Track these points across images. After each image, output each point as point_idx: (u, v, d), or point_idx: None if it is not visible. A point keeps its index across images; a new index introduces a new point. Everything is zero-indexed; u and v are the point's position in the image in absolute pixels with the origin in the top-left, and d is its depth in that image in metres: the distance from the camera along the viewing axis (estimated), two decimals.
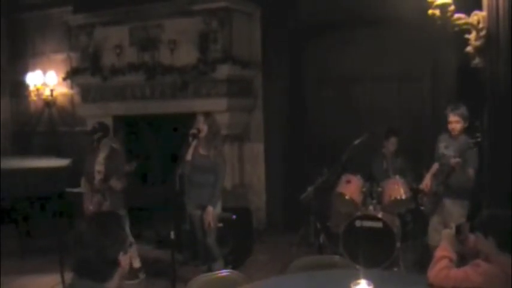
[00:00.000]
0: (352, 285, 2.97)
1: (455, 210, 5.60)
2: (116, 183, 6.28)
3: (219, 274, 3.93)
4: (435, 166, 5.88)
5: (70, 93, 10.16)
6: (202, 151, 6.13)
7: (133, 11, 8.69)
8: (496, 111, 5.15)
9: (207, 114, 6.31)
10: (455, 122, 5.61)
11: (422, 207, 6.26)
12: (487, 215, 3.56)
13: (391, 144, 7.15)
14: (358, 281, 2.97)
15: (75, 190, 7.23)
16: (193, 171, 6.11)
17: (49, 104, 10.25)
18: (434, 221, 5.85)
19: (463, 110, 5.60)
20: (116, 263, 2.54)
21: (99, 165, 6.42)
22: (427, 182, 5.92)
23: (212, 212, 6.06)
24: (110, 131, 6.81)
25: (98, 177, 6.40)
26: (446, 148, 5.74)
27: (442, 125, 5.79)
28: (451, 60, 7.36)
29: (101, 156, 6.46)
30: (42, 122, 10.52)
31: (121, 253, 2.55)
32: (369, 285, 2.95)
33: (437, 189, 5.73)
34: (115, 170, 6.31)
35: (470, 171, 5.46)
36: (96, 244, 2.48)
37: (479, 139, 5.22)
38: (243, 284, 3.71)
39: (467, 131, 5.56)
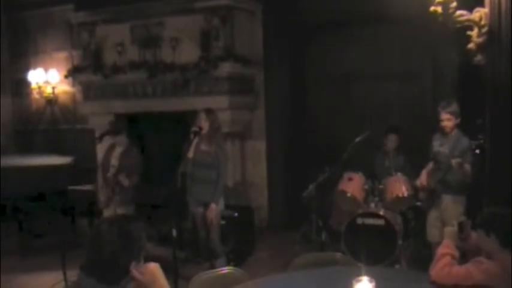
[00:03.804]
0: (354, 282, 2.96)
1: (452, 206, 5.60)
2: (124, 179, 6.36)
3: (221, 271, 3.93)
4: (431, 164, 5.88)
5: (72, 91, 10.16)
6: (204, 147, 6.13)
7: (134, 9, 8.69)
8: (498, 109, 5.14)
9: (209, 111, 6.31)
10: (447, 119, 5.58)
11: (419, 203, 6.26)
12: (489, 213, 3.56)
13: (391, 142, 7.13)
14: (360, 278, 2.97)
15: (77, 188, 7.25)
16: (196, 168, 6.11)
17: (51, 101, 10.24)
18: (432, 217, 5.86)
19: (454, 106, 5.57)
20: (126, 271, 2.53)
21: (114, 160, 6.51)
22: (422, 179, 5.93)
23: (215, 209, 6.06)
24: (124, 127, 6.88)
25: (111, 171, 6.48)
26: (441, 146, 5.73)
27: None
28: (452, 57, 7.34)
29: (117, 151, 6.53)
30: (44, 120, 10.52)
31: (134, 262, 2.55)
32: (370, 282, 2.95)
33: (436, 187, 5.73)
34: (128, 167, 6.38)
35: (466, 167, 5.45)
36: (111, 247, 2.48)
37: (482, 141, 5.20)
38: (245, 281, 3.72)
39: (467, 128, 5.55)
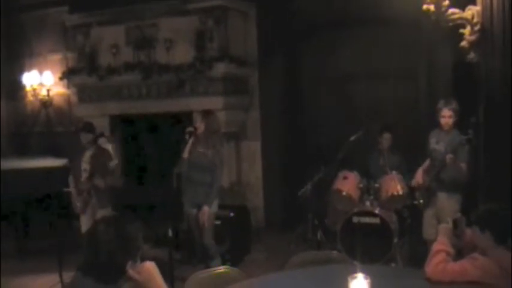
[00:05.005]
0: (349, 279, 2.97)
1: (448, 204, 5.63)
2: (99, 181, 6.33)
3: (217, 271, 3.93)
4: (427, 162, 5.91)
5: (67, 93, 10.14)
6: (200, 149, 6.12)
7: (129, 11, 8.68)
8: (491, 106, 5.17)
9: (206, 112, 6.32)
10: (449, 116, 5.62)
11: (415, 202, 6.28)
12: (483, 210, 3.58)
13: (385, 140, 7.14)
14: (356, 275, 2.98)
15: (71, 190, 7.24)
16: (191, 169, 6.10)
17: (46, 104, 10.22)
18: (428, 215, 5.89)
19: (455, 104, 5.62)
20: (122, 270, 2.54)
21: (85, 164, 6.48)
22: (418, 177, 5.95)
23: (208, 212, 6.05)
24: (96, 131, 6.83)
25: (83, 176, 6.45)
26: (437, 143, 5.76)
27: (437, 121, 5.80)
28: (446, 56, 7.37)
29: (87, 155, 6.51)
30: (39, 122, 10.49)
31: (130, 262, 2.56)
32: (365, 279, 2.96)
33: (430, 184, 5.76)
34: (100, 168, 6.36)
35: (463, 166, 5.48)
36: (108, 246, 2.49)
37: (470, 136, 5.24)
38: (241, 280, 3.72)
39: (461, 126, 5.58)
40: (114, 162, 6.55)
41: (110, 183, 6.45)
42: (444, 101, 5.67)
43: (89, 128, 6.63)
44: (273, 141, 8.83)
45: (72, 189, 6.68)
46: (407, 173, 6.72)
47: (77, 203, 6.56)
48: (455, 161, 5.39)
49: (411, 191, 6.45)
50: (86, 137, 6.50)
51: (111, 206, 6.51)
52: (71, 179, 6.71)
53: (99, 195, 6.42)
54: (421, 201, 6.04)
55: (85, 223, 6.44)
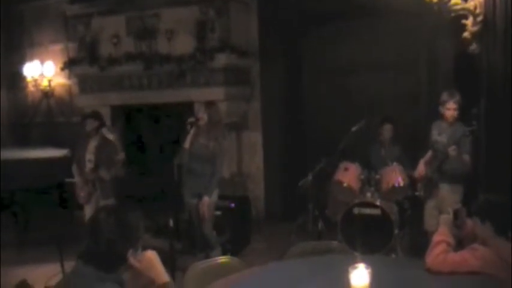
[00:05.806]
0: (350, 268, 2.98)
1: (449, 195, 5.62)
2: (105, 173, 6.34)
3: (217, 260, 3.95)
4: (429, 153, 5.90)
5: (68, 83, 10.14)
6: (202, 140, 6.11)
7: (130, 1, 8.67)
8: (493, 97, 5.16)
9: (209, 103, 6.31)
10: (454, 109, 5.60)
11: (417, 193, 6.28)
12: (484, 200, 3.58)
13: (386, 132, 7.12)
14: (356, 265, 2.98)
15: (74, 180, 7.26)
16: (192, 159, 6.08)
17: (47, 94, 10.23)
18: (429, 206, 5.89)
19: (459, 96, 5.61)
20: (123, 259, 2.55)
21: (89, 154, 6.48)
22: (420, 169, 5.95)
23: (208, 202, 6.06)
24: (104, 120, 6.86)
25: (88, 166, 6.45)
26: (439, 135, 5.75)
27: (439, 113, 5.78)
28: (447, 47, 7.35)
29: (92, 145, 6.50)
30: (40, 113, 10.50)
31: (131, 250, 2.57)
32: (366, 268, 2.96)
33: (432, 176, 5.75)
34: (105, 160, 6.37)
35: (466, 157, 5.48)
36: (109, 235, 2.50)
37: (474, 127, 5.23)
38: (241, 270, 3.73)
39: (463, 118, 5.57)
40: (122, 156, 6.56)
41: (113, 174, 6.46)
42: (448, 93, 5.64)
43: (96, 115, 6.67)
44: (274, 132, 8.83)
45: (76, 178, 6.68)
46: (407, 164, 6.71)
47: (81, 193, 6.57)
48: (459, 153, 5.38)
49: (412, 182, 6.45)
50: (91, 124, 6.53)
51: (114, 196, 6.54)
52: (74, 169, 6.71)
53: (103, 186, 6.43)
54: (422, 192, 6.04)
55: (89, 213, 6.46)
